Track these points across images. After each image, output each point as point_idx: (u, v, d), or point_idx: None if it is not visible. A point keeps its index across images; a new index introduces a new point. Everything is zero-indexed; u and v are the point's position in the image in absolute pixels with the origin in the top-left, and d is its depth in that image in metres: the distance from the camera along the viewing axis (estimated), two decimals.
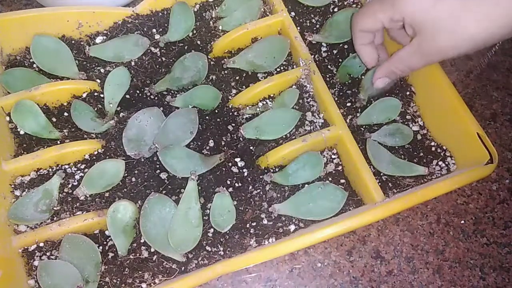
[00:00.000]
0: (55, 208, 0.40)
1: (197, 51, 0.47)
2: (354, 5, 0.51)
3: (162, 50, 0.48)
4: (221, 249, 0.39)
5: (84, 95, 0.46)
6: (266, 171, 0.42)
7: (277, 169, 0.43)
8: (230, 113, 0.45)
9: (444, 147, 0.45)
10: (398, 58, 0.39)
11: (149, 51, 0.48)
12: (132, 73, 0.47)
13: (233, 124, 0.44)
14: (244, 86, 0.47)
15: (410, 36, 0.37)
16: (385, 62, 0.41)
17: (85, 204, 0.40)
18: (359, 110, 0.46)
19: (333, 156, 0.44)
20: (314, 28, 0.51)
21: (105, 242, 0.40)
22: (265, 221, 0.40)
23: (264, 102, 0.46)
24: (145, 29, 0.49)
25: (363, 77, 0.46)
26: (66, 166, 0.43)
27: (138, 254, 0.39)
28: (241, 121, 0.44)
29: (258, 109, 0.45)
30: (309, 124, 0.44)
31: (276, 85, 0.45)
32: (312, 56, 0.46)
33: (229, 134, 0.44)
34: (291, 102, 0.45)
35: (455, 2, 0.32)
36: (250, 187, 0.41)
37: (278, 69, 0.48)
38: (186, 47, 0.48)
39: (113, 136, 0.43)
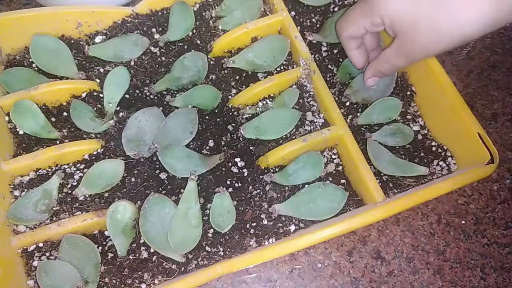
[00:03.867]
0: (54, 208, 0.40)
1: (196, 51, 0.47)
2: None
3: (162, 50, 0.48)
4: (221, 249, 0.39)
5: (84, 95, 0.46)
6: (266, 171, 0.42)
7: (277, 169, 0.43)
8: (230, 113, 0.45)
9: (445, 147, 0.45)
10: (383, 58, 0.40)
11: (148, 50, 0.48)
12: (132, 73, 0.46)
13: (233, 124, 0.44)
14: (244, 86, 0.47)
15: (392, 37, 0.37)
16: (372, 62, 0.42)
17: (85, 205, 0.40)
18: (360, 109, 0.46)
19: (333, 156, 0.44)
20: (315, 28, 0.50)
21: (104, 243, 0.40)
22: (265, 222, 0.40)
23: (264, 102, 0.46)
24: (144, 28, 0.49)
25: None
26: (66, 166, 0.43)
27: (137, 255, 0.38)
28: (241, 121, 0.44)
29: (258, 109, 0.45)
30: (309, 124, 0.44)
31: (276, 85, 0.45)
32: (312, 55, 0.46)
33: (229, 134, 0.43)
34: (291, 102, 0.44)
35: (433, 1, 0.32)
36: (250, 187, 0.41)
37: (278, 69, 0.48)
38: (185, 47, 0.48)
39: (112, 136, 0.43)
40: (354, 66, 0.45)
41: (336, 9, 0.51)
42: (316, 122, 0.44)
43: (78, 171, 0.42)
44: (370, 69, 0.42)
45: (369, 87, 0.45)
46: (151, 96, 0.46)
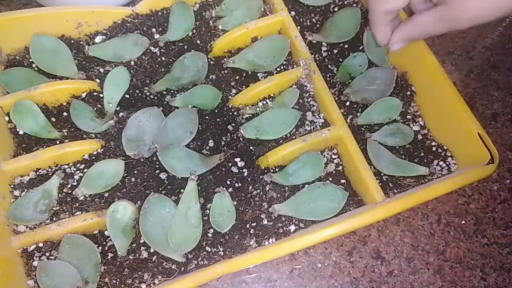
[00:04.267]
0: (54, 208, 0.40)
1: (196, 51, 0.47)
2: (354, 5, 0.51)
3: (162, 50, 0.48)
4: (221, 249, 0.39)
5: (84, 95, 0.46)
6: (266, 171, 0.42)
7: (277, 169, 0.43)
8: (230, 113, 0.45)
9: (445, 147, 0.45)
10: (418, 24, 0.37)
11: (148, 50, 0.48)
12: (132, 73, 0.46)
13: (233, 124, 0.44)
14: (244, 86, 0.47)
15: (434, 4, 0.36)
16: (402, 26, 0.39)
17: (85, 205, 0.40)
18: (360, 109, 0.46)
19: (333, 156, 0.44)
20: (314, 28, 0.50)
21: (104, 243, 0.40)
22: (265, 222, 0.40)
23: (264, 102, 0.46)
24: (144, 28, 0.49)
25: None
26: (66, 166, 0.43)
27: (137, 255, 0.38)
28: (241, 121, 0.44)
29: (258, 109, 0.45)
30: (309, 124, 0.44)
31: (276, 85, 0.45)
32: (312, 55, 0.46)
33: (229, 134, 0.43)
34: (291, 102, 0.44)
35: None
36: (250, 187, 0.41)
37: (278, 69, 0.48)
38: (185, 47, 0.48)
39: (112, 136, 0.43)
40: (377, 42, 0.42)
41: (336, 9, 0.51)
42: (316, 122, 0.44)
43: (78, 171, 0.42)
44: (400, 33, 0.39)
45: (393, 52, 0.42)
46: (151, 96, 0.46)
